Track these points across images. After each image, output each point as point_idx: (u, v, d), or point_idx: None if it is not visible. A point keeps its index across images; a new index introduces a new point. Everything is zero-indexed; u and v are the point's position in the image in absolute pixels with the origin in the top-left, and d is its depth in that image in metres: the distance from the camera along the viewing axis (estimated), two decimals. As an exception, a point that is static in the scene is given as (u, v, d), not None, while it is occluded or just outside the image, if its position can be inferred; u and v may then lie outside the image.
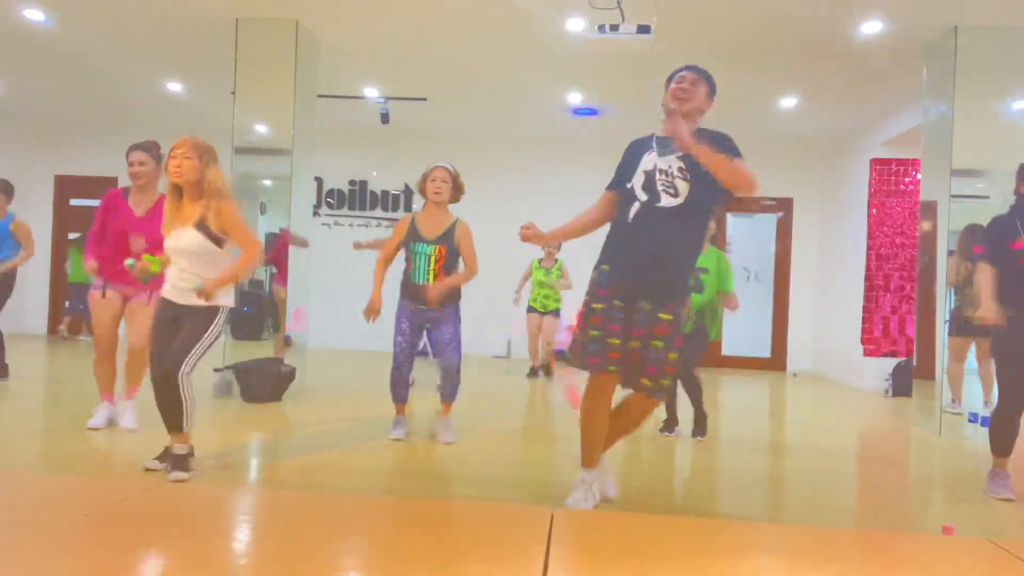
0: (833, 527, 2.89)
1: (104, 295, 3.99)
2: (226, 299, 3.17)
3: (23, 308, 8.49)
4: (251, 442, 4.03)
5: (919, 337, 5.70)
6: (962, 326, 4.92)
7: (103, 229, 4.02)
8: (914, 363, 5.81)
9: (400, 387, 4.12)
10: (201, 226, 3.07)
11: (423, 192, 4.05)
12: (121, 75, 7.17)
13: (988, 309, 3.26)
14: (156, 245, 3.56)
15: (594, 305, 2.81)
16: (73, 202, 9.68)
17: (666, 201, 2.74)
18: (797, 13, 5.07)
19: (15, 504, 2.70)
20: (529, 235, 2.90)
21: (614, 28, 4.79)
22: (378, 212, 9.51)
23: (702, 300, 4.35)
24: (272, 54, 5.55)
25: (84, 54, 6.55)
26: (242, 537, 2.44)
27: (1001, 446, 3.39)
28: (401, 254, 4.11)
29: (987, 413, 5.00)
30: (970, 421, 5.01)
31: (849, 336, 7.89)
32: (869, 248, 7.63)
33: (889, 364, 7.36)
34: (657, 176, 2.77)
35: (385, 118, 7.68)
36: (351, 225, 9.47)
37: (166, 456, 3.16)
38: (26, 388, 5.42)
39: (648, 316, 2.74)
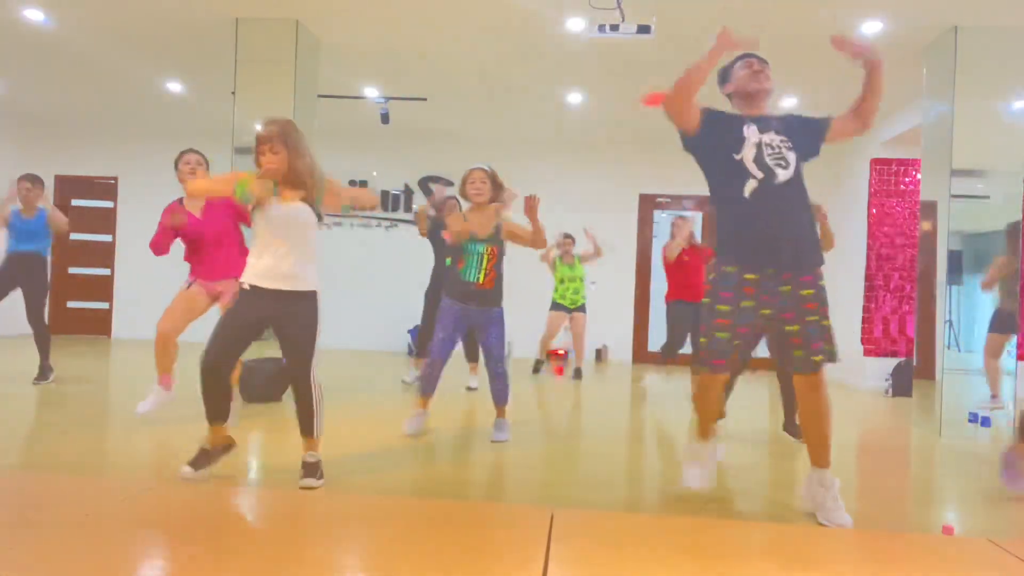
0: (833, 527, 2.88)
1: (189, 287, 4.25)
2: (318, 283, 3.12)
3: (23, 307, 8.49)
4: (251, 442, 4.03)
5: (919, 337, 5.71)
6: (1003, 323, 4.94)
7: (168, 236, 4.21)
8: (914, 363, 5.81)
9: (430, 383, 4.19)
10: (311, 201, 3.03)
11: (464, 195, 4.14)
12: (121, 75, 7.17)
13: None
14: (217, 237, 4.04)
15: (719, 307, 2.80)
16: (75, 202, 9.69)
17: (781, 175, 2.76)
18: (797, 13, 5.08)
19: (15, 504, 2.70)
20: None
21: (614, 28, 4.79)
22: (378, 212, 9.51)
23: None
24: (272, 54, 5.55)
25: (84, 54, 6.55)
26: (242, 537, 2.44)
27: None
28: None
29: (987, 413, 5.00)
30: (970, 421, 5.01)
31: (849, 336, 7.88)
32: (869, 248, 7.63)
33: (889, 364, 7.36)
34: (766, 151, 2.78)
35: (385, 118, 7.68)
36: (351, 225, 9.47)
37: (201, 459, 3.07)
38: (26, 388, 5.42)
39: (792, 297, 2.76)
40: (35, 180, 5.73)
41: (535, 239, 4.03)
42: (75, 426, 4.14)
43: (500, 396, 4.23)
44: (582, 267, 7.16)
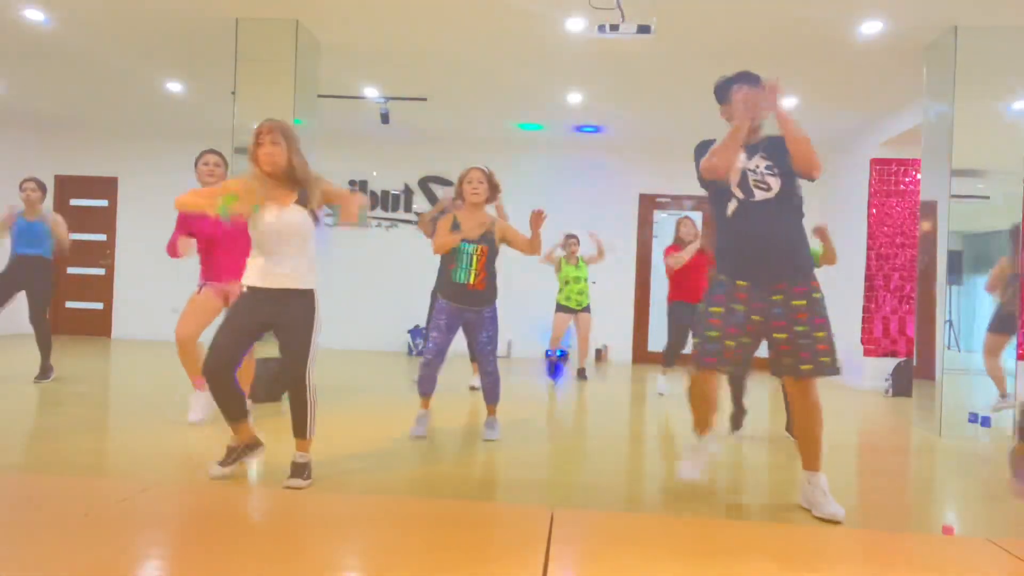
0: (833, 527, 2.88)
1: (200, 292, 4.21)
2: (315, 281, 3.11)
3: (22, 307, 8.49)
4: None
5: (919, 337, 5.70)
6: (1003, 323, 4.94)
7: (187, 232, 4.17)
8: (914, 363, 5.81)
9: (428, 383, 4.20)
10: (305, 202, 3.02)
11: (460, 194, 4.14)
12: (121, 75, 7.17)
13: None
14: (227, 238, 3.96)
15: (712, 309, 2.99)
16: (73, 202, 9.68)
17: (760, 196, 2.93)
18: (797, 13, 5.07)
19: (15, 504, 2.70)
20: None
21: (614, 28, 4.79)
22: (378, 212, 9.51)
23: None
24: (272, 54, 5.55)
25: (84, 54, 6.55)
26: (242, 537, 2.44)
27: None
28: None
29: (988, 412, 5.00)
30: (970, 421, 5.01)
31: (849, 336, 7.88)
32: (869, 248, 7.63)
33: (889, 364, 7.36)
34: (749, 175, 2.96)
35: (385, 118, 7.68)
36: (351, 225, 9.47)
37: (229, 456, 3.15)
38: (26, 388, 5.42)
39: (783, 307, 2.90)
40: (40, 183, 5.79)
41: (531, 246, 4.07)
42: (74, 426, 4.14)
43: (491, 395, 4.25)
44: (586, 268, 7.17)
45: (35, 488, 2.92)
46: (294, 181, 3.03)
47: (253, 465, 3.37)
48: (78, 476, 3.15)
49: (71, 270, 9.70)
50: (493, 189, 4.12)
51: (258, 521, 2.71)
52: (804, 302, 2.89)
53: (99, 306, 9.69)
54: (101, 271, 9.69)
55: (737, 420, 4.60)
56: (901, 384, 6.87)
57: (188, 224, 4.17)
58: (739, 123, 2.90)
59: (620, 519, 2.86)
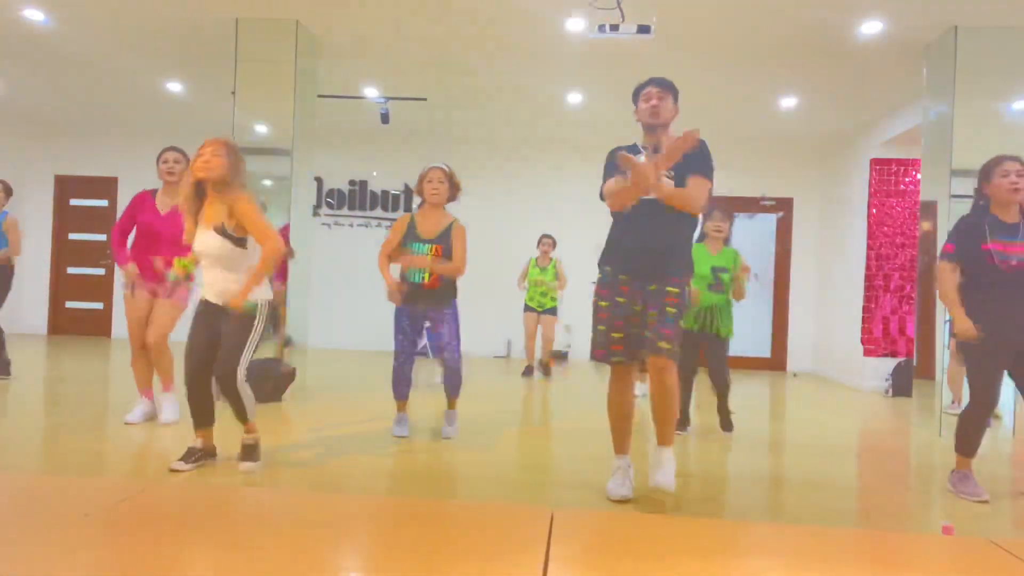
0: (833, 527, 2.89)
1: (133, 294, 4.22)
2: (264, 293, 3.27)
3: (22, 307, 8.50)
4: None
5: (919, 337, 5.70)
6: None
7: (129, 226, 4.25)
8: (914, 363, 5.81)
9: (402, 385, 4.22)
10: (221, 229, 3.15)
11: (420, 193, 4.09)
12: (121, 75, 7.17)
13: (962, 324, 3.30)
14: (175, 241, 3.81)
15: (600, 303, 3.12)
16: (73, 202, 9.69)
17: (654, 194, 2.99)
18: (797, 13, 5.08)
19: (15, 504, 2.71)
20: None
21: (614, 28, 4.79)
22: (378, 212, 9.51)
23: (722, 298, 4.47)
24: (272, 54, 5.55)
25: (84, 54, 6.55)
26: (242, 537, 2.44)
27: (968, 447, 3.39)
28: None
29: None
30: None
31: (849, 336, 7.88)
32: (869, 248, 7.63)
33: (889, 364, 7.36)
34: None
35: (385, 118, 7.68)
36: (351, 225, 9.46)
37: (190, 455, 3.30)
38: (26, 388, 5.42)
39: (658, 293, 3.00)
40: (6, 185, 5.80)
41: (453, 269, 4.01)
42: (74, 426, 4.14)
43: (451, 390, 4.26)
44: (553, 274, 7.20)
45: (35, 488, 2.92)
46: (221, 196, 3.15)
47: (255, 465, 3.37)
48: (78, 476, 3.15)
49: (71, 270, 9.70)
50: (454, 188, 4.10)
51: (257, 521, 2.71)
52: (678, 290, 3.01)
53: (99, 306, 9.69)
54: (101, 271, 9.68)
55: (681, 424, 4.55)
56: (901, 384, 6.88)
57: (134, 215, 4.21)
58: (648, 186, 2.91)
59: (620, 519, 2.86)
